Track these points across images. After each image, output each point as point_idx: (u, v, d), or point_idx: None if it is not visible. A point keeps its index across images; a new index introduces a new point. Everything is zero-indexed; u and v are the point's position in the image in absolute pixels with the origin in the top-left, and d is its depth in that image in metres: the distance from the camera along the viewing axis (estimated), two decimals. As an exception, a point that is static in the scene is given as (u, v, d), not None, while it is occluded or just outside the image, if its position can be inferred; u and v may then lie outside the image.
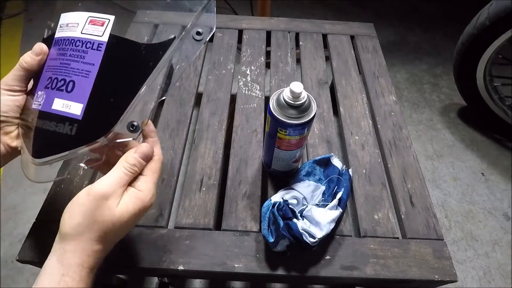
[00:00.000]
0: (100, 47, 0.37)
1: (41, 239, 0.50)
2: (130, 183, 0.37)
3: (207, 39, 0.41)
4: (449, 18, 1.88)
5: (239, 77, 0.77)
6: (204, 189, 0.57)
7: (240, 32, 0.89)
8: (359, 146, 0.65)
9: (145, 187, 0.37)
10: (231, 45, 0.85)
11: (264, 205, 0.50)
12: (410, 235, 0.54)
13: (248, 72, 0.78)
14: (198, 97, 0.73)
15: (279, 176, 0.59)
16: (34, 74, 0.40)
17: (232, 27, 0.89)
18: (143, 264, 0.48)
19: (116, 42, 0.38)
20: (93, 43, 0.37)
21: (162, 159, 0.40)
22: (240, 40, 0.88)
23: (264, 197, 0.56)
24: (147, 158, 0.38)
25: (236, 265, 0.49)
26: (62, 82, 0.37)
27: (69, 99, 0.37)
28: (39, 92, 0.39)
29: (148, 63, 0.39)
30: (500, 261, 0.98)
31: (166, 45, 0.40)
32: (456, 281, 0.49)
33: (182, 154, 0.63)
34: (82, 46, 0.37)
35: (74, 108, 0.37)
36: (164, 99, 0.38)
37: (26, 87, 0.40)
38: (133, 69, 0.38)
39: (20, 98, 0.40)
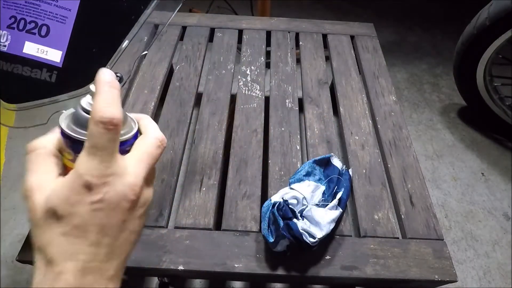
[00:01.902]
0: None
1: (41, 239, 0.50)
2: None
3: None
4: (449, 18, 1.88)
5: (239, 77, 0.77)
6: (204, 189, 0.57)
7: (240, 32, 0.89)
8: (359, 146, 0.65)
9: (77, 161, 0.26)
10: (231, 45, 0.85)
11: (264, 205, 0.50)
12: (410, 235, 0.54)
13: (248, 72, 0.78)
14: (198, 97, 0.73)
15: None
16: None
17: (232, 27, 0.89)
18: (143, 264, 0.48)
19: None
20: None
21: (162, 143, 0.30)
22: (240, 40, 0.88)
23: (264, 197, 0.56)
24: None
25: (236, 265, 0.49)
26: (33, 24, 0.35)
27: (45, 45, 0.35)
28: (1, 32, 0.36)
29: (130, 16, 0.37)
30: (500, 261, 0.98)
31: None
32: (456, 281, 0.49)
33: (182, 154, 0.63)
34: None
35: (52, 55, 0.35)
36: (146, 54, 0.37)
37: None
38: (114, 20, 0.37)
39: None
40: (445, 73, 1.57)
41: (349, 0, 1.95)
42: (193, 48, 0.83)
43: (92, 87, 0.29)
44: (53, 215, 0.25)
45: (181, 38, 0.87)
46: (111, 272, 0.26)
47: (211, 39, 0.88)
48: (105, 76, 0.27)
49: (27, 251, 0.48)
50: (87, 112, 0.28)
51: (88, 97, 0.30)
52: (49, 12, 0.35)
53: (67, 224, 0.25)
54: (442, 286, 0.52)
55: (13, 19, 0.36)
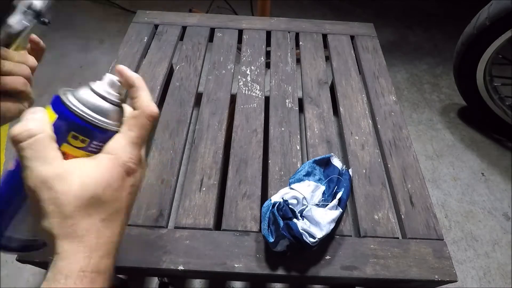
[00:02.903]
0: None
1: (41, 239, 0.50)
2: None
3: None
4: (449, 18, 1.88)
5: (239, 77, 0.77)
6: (204, 189, 0.57)
7: (240, 32, 0.89)
8: (359, 146, 0.65)
9: (110, 144, 0.27)
10: (231, 45, 0.85)
11: (264, 205, 0.50)
12: (410, 235, 0.54)
13: (248, 72, 0.78)
14: (198, 97, 0.73)
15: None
16: None
17: (232, 27, 0.89)
18: (143, 264, 0.48)
19: None
20: None
21: (154, 114, 0.28)
22: (240, 40, 0.88)
23: (264, 197, 0.56)
24: None
25: (236, 265, 0.49)
26: None
27: None
28: None
29: None
30: (500, 261, 0.97)
31: None
32: (456, 281, 0.49)
33: (182, 154, 0.63)
34: None
35: None
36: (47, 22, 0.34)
37: None
38: None
39: None
40: (445, 73, 1.57)
41: (349, 0, 1.95)
42: (193, 48, 0.83)
43: (109, 76, 0.28)
44: (96, 202, 0.25)
45: (181, 38, 0.87)
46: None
47: (211, 39, 0.88)
48: (134, 73, 0.29)
49: (27, 251, 0.48)
50: (106, 99, 0.27)
51: (102, 84, 0.28)
52: None
53: (109, 209, 0.26)
54: (442, 286, 0.52)
55: None
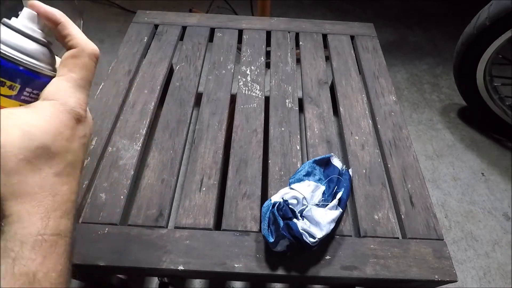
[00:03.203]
0: None
1: (41, 239, 0.50)
2: None
3: None
4: (449, 18, 1.89)
5: (239, 77, 0.77)
6: (204, 189, 0.57)
7: (240, 32, 0.89)
8: (359, 146, 0.65)
9: (49, 89, 0.23)
10: (231, 45, 0.85)
11: (264, 205, 0.50)
12: (410, 235, 0.54)
13: (248, 72, 0.78)
14: (198, 97, 0.73)
15: None
16: None
17: (232, 27, 0.89)
18: (143, 264, 0.48)
19: None
20: None
21: (96, 53, 0.25)
22: (240, 40, 0.88)
23: (264, 197, 0.56)
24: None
25: (236, 265, 0.49)
26: None
27: None
28: None
29: None
30: (500, 261, 0.97)
31: None
32: (456, 281, 0.49)
33: (182, 154, 0.63)
34: None
35: None
36: None
37: None
38: None
39: None
40: (445, 73, 1.57)
41: (349, 0, 1.95)
42: (193, 48, 0.83)
43: (27, 10, 0.23)
44: (46, 153, 0.21)
45: (181, 38, 0.87)
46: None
47: (211, 39, 0.88)
48: (53, 8, 0.24)
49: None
50: (28, 36, 0.23)
51: (21, 20, 0.23)
52: None
53: (62, 162, 0.22)
54: (442, 286, 0.52)
55: None
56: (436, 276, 0.49)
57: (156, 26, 0.88)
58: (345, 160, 0.64)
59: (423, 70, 1.58)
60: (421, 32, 1.79)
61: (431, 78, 1.55)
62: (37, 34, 0.24)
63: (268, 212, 0.48)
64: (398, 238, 0.54)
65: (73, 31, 0.24)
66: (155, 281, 0.85)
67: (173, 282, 0.79)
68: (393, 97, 0.75)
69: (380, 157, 0.64)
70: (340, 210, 0.52)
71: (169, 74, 0.79)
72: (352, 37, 0.91)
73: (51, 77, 0.24)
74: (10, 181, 0.20)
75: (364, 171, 0.62)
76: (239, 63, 0.81)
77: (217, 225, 0.54)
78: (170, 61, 0.80)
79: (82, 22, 1.38)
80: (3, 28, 0.22)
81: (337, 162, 0.59)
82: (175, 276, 0.52)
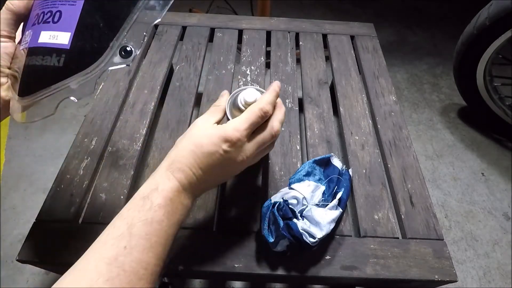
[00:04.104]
0: None
1: (41, 239, 0.50)
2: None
3: None
4: (449, 18, 1.89)
5: (239, 77, 0.77)
6: (204, 189, 0.57)
7: (240, 32, 0.89)
8: (359, 146, 0.65)
9: (232, 121, 0.39)
10: (231, 45, 0.85)
11: (264, 205, 0.50)
12: (410, 235, 0.54)
13: (248, 72, 0.78)
14: (198, 97, 0.73)
15: None
16: (22, 19, 0.37)
17: (232, 27, 0.89)
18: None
19: None
20: None
21: (265, 114, 0.41)
22: (240, 40, 0.88)
23: (264, 197, 0.56)
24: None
25: (236, 265, 0.49)
26: (49, 14, 0.35)
27: (56, 30, 0.34)
28: (27, 32, 0.36)
29: None
30: (500, 261, 0.98)
31: None
32: (456, 281, 0.49)
33: (182, 154, 0.63)
34: None
35: (62, 38, 0.34)
36: (159, 21, 0.37)
37: (15, 33, 0.38)
38: None
39: (8, 45, 0.37)
40: (445, 73, 1.57)
41: (349, 0, 1.95)
42: (193, 48, 0.83)
43: (247, 93, 0.44)
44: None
45: (181, 38, 0.87)
46: None
47: (211, 39, 0.88)
48: (276, 86, 0.44)
49: (27, 251, 0.48)
50: (239, 108, 0.44)
51: (242, 96, 0.44)
52: None
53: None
54: (442, 286, 0.52)
55: (36, 17, 0.36)
56: (436, 276, 0.49)
57: (156, 26, 0.88)
58: (345, 160, 0.64)
59: (423, 70, 1.58)
60: (421, 32, 1.79)
61: (431, 78, 1.55)
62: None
63: (268, 212, 0.48)
64: (398, 238, 0.54)
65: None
66: (155, 281, 0.85)
67: (173, 282, 0.79)
68: (393, 97, 0.75)
69: (380, 157, 0.64)
70: (340, 210, 0.52)
71: (169, 74, 0.79)
72: (352, 37, 0.91)
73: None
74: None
75: (364, 171, 0.62)
76: (239, 63, 0.81)
77: (217, 225, 0.54)
78: (170, 61, 0.80)
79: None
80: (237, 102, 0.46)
81: (337, 162, 0.59)
82: (175, 276, 0.52)
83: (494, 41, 1.05)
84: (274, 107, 0.42)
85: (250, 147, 0.40)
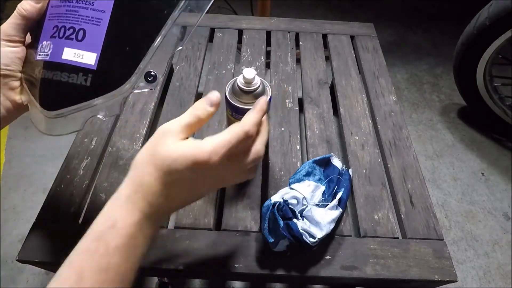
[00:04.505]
0: None
1: (41, 239, 0.50)
2: None
3: None
4: (449, 18, 1.89)
5: (239, 77, 0.77)
6: (204, 189, 0.57)
7: (240, 32, 0.89)
8: (359, 146, 0.65)
9: (209, 140, 0.33)
10: (231, 45, 0.85)
11: (264, 205, 0.50)
12: (410, 235, 0.54)
13: (248, 72, 0.78)
14: (198, 97, 0.73)
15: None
16: (33, 24, 0.38)
17: (232, 27, 0.89)
18: (143, 264, 0.48)
19: None
20: None
21: (259, 129, 0.36)
22: (240, 40, 0.88)
23: (264, 197, 0.56)
24: (212, 104, 0.36)
25: (236, 265, 0.49)
26: (71, 30, 0.36)
27: (81, 48, 0.35)
28: (44, 42, 0.37)
29: (162, 11, 0.36)
30: (500, 261, 0.98)
31: None
32: (456, 281, 0.49)
33: (182, 154, 0.63)
34: None
35: (88, 58, 0.35)
36: (181, 49, 0.38)
37: (25, 38, 0.38)
38: (147, 17, 0.36)
39: (19, 50, 0.37)
40: (445, 73, 1.57)
41: (349, 0, 1.95)
42: (193, 48, 0.83)
43: (245, 71, 0.47)
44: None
45: (181, 38, 0.87)
46: None
47: (211, 39, 0.88)
48: (263, 104, 0.37)
49: (27, 251, 0.48)
50: (241, 89, 0.49)
51: (241, 77, 0.48)
52: (85, 16, 0.36)
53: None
54: (442, 286, 0.52)
55: (55, 29, 0.37)
56: (436, 276, 0.49)
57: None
58: (345, 160, 0.64)
59: (423, 70, 1.58)
60: (421, 32, 1.79)
61: (431, 78, 1.55)
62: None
63: (268, 212, 0.48)
64: (398, 238, 0.54)
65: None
66: (155, 281, 0.85)
67: (173, 282, 0.79)
68: (393, 97, 0.75)
69: (380, 157, 0.64)
70: (340, 210, 0.52)
71: (169, 74, 0.79)
72: (352, 37, 0.91)
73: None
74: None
75: (364, 171, 0.62)
76: (239, 63, 0.81)
77: (217, 225, 0.54)
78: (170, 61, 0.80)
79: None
80: (235, 87, 0.50)
81: (337, 162, 0.59)
82: (175, 276, 0.52)
83: (494, 41, 1.05)
84: (258, 128, 0.36)
85: (226, 172, 0.35)
